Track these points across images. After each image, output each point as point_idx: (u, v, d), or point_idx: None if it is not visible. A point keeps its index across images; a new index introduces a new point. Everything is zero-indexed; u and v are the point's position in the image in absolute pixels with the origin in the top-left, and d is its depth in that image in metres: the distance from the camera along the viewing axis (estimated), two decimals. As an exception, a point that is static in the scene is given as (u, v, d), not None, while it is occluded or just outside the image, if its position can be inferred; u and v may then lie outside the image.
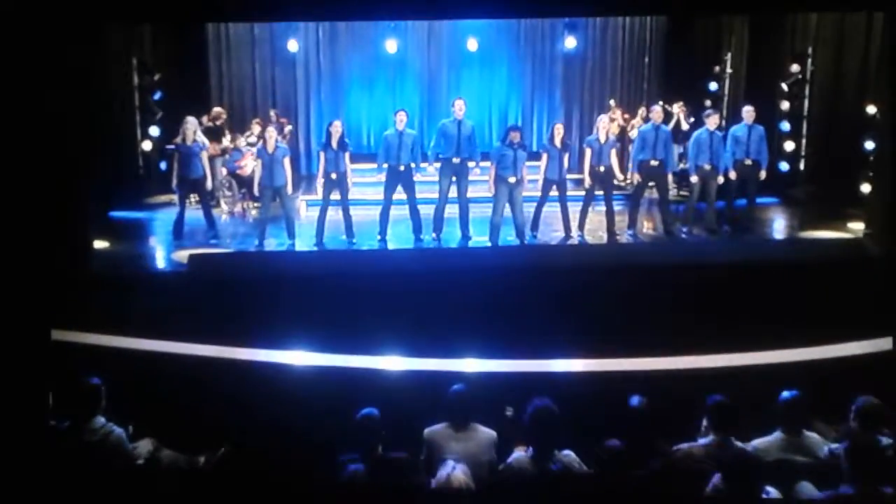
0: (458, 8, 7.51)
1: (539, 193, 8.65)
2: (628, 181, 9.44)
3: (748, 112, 8.85)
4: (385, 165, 8.56)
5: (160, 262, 8.11)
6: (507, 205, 8.30)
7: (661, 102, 10.06)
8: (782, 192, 10.38)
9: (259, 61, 12.34)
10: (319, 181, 8.53)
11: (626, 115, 11.48)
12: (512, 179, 8.24)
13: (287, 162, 8.50)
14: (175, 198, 8.70)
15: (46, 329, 5.17)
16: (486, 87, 12.65)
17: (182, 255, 7.74)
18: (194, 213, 8.76)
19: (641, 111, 11.13)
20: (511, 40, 12.66)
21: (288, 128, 11.25)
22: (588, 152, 8.76)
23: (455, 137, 8.47)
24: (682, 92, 11.31)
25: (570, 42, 12.31)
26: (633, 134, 10.08)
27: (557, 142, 8.54)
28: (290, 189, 8.52)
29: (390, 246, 8.45)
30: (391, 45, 11.98)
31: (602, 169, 8.71)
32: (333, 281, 6.57)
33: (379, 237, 8.56)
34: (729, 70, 11.73)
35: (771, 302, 6.19)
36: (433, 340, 5.70)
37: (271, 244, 8.45)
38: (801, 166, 10.82)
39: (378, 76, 12.52)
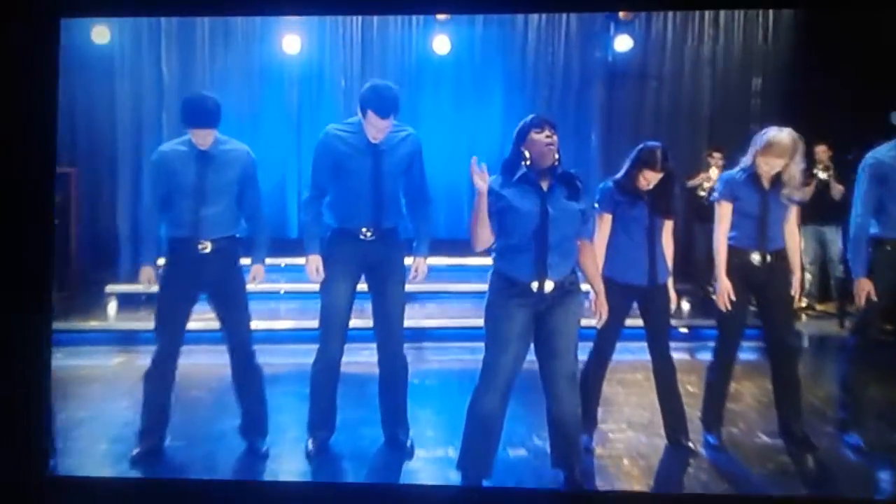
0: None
1: (595, 322, 2.85)
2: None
3: None
4: (160, 261, 3.25)
5: None
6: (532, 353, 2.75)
7: None
8: None
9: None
10: None
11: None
12: (550, 286, 2.66)
13: None
14: None
15: None
16: (466, 120, 6.92)
17: None
18: None
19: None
20: (509, 41, 7.09)
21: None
22: (724, 213, 3.14)
23: (367, 172, 3.03)
24: (828, 130, 6.15)
25: (623, 43, 6.83)
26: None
27: (643, 183, 2.77)
28: None
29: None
30: (290, 43, 6.80)
31: (765, 261, 3.09)
32: None
33: (136, 451, 3.07)
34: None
35: None
36: None
37: None
38: None
39: (267, 94, 6.96)
